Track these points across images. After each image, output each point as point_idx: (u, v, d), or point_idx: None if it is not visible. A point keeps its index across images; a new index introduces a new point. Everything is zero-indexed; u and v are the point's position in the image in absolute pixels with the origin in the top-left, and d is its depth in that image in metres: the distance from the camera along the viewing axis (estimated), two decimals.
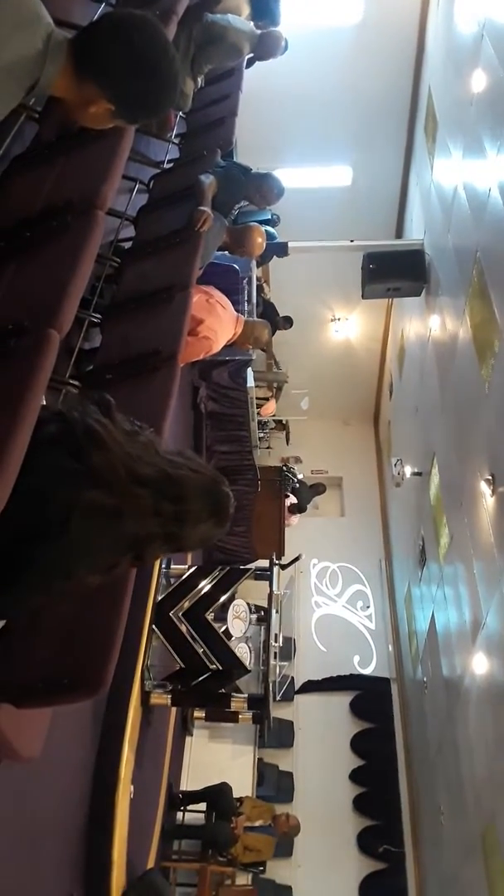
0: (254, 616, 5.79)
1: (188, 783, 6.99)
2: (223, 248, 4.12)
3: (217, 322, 3.78)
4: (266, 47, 4.41)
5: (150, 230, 3.63)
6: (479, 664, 5.18)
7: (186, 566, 5.75)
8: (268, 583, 6.11)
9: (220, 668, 5.17)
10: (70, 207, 2.04)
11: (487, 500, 4.92)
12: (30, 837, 3.11)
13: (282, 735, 7.99)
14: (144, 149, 4.58)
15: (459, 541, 5.88)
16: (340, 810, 7.78)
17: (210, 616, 5.37)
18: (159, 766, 5.79)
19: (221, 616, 5.47)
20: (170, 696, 5.18)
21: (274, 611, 5.91)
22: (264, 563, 6.51)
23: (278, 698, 5.89)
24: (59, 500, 1.08)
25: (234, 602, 5.60)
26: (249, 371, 6.65)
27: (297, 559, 7.12)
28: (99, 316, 3.10)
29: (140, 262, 3.38)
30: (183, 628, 5.23)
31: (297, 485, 8.47)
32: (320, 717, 8.45)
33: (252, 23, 4.47)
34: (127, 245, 3.66)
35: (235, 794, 6.61)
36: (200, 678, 5.18)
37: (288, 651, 6.86)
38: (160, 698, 5.13)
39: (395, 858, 7.39)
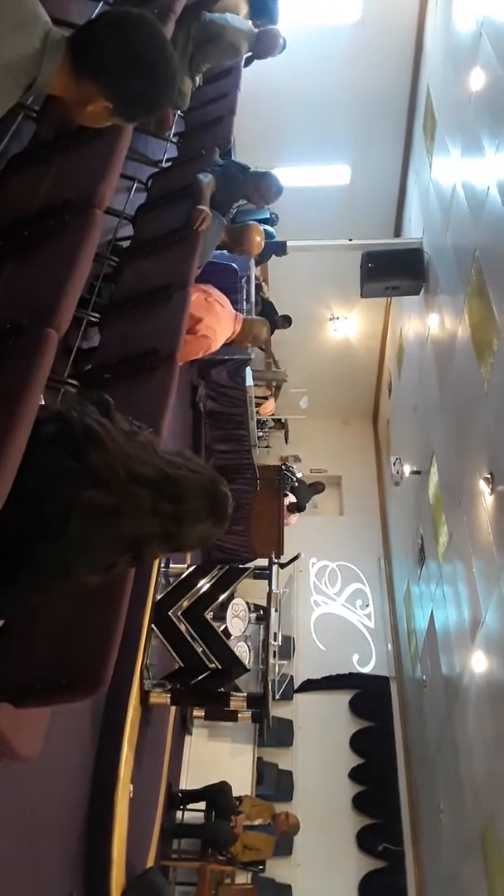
0: (253, 615, 5.79)
1: (188, 782, 6.99)
2: (222, 246, 4.12)
3: (216, 320, 3.78)
4: (264, 46, 4.40)
5: (149, 229, 3.62)
6: (479, 662, 5.18)
7: (185, 565, 5.75)
8: (267, 582, 6.12)
9: (220, 666, 5.17)
10: (68, 206, 2.04)
11: (486, 498, 4.92)
12: (29, 837, 3.11)
13: (281, 734, 8.00)
14: (143, 148, 4.57)
15: (458, 539, 5.89)
16: (340, 809, 7.79)
17: (209, 615, 5.37)
18: (159, 766, 5.79)
19: (220, 615, 5.47)
20: (169, 695, 5.18)
21: (273, 610, 5.92)
22: (263, 562, 6.52)
23: (277, 697, 5.90)
24: (58, 500, 1.08)
25: (234, 601, 5.60)
26: (248, 370, 6.65)
27: (296, 558, 7.12)
28: (97, 315, 3.10)
29: (138, 261, 3.38)
30: (182, 627, 5.23)
31: (296, 484, 8.47)
32: (320, 716, 8.46)
33: (250, 21, 4.46)
34: (125, 244, 3.66)
35: (235, 793, 6.62)
36: (200, 677, 5.19)
37: (287, 650, 6.87)
38: (159, 697, 5.13)
39: (395, 857, 7.40)
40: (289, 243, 7.29)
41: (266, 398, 8.52)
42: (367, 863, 7.45)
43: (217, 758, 7.27)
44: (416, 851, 7.38)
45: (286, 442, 10.05)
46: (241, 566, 6.19)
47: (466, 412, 5.59)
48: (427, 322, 7.34)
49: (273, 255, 7.29)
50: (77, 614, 1.66)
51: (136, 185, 4.19)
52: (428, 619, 7.09)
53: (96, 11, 3.29)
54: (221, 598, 5.48)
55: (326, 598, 9.76)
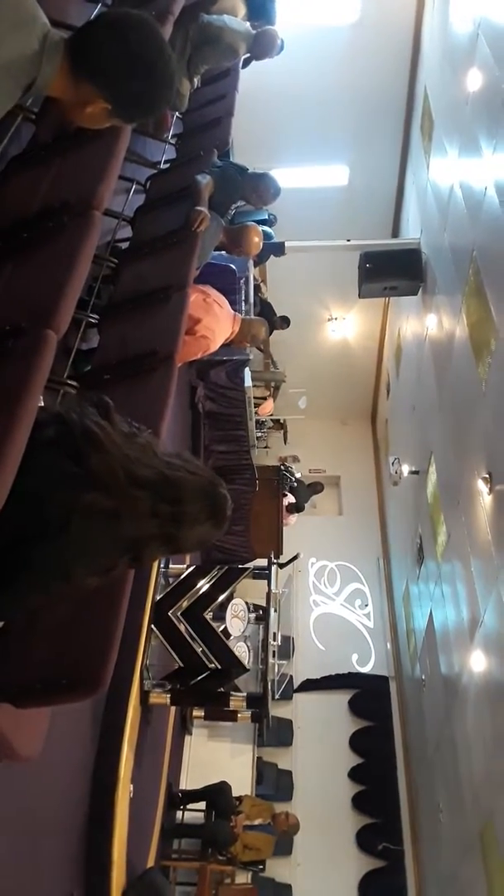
0: (252, 615, 5.79)
1: (187, 782, 7.00)
2: (220, 247, 4.12)
3: (214, 321, 3.78)
4: (262, 47, 4.40)
5: (147, 230, 3.63)
6: (477, 662, 5.19)
7: (185, 566, 5.75)
8: (266, 582, 6.12)
9: (219, 667, 5.17)
10: (67, 208, 2.04)
11: (484, 498, 4.93)
12: (30, 837, 3.11)
13: (281, 733, 8.00)
14: (141, 149, 4.58)
15: (457, 539, 5.90)
16: (339, 808, 7.79)
17: (209, 615, 5.37)
18: (159, 766, 5.79)
19: (220, 615, 5.48)
20: (169, 696, 5.18)
21: (272, 610, 5.92)
22: (262, 562, 6.53)
23: (277, 697, 5.90)
24: (58, 503, 1.08)
25: (233, 601, 5.60)
26: (247, 371, 6.65)
27: (295, 558, 7.12)
28: (96, 316, 3.10)
29: (137, 263, 3.39)
30: (182, 627, 5.23)
31: (295, 484, 8.47)
32: (319, 716, 8.46)
33: (248, 23, 4.47)
34: (124, 245, 3.66)
35: (235, 793, 6.62)
36: (199, 677, 5.19)
37: (286, 650, 6.87)
38: (159, 697, 5.13)
39: (395, 856, 7.40)
40: (287, 244, 7.30)
41: (265, 399, 8.53)
42: (366, 862, 7.46)
43: (217, 758, 7.28)
44: (415, 851, 7.39)
45: (285, 442, 10.04)
46: (240, 566, 6.19)
47: (464, 412, 5.60)
48: (425, 322, 7.35)
49: (271, 256, 7.30)
50: (77, 615, 1.67)
51: (134, 186, 4.19)
52: (427, 619, 7.09)
53: (95, 13, 3.30)
54: (221, 598, 5.48)
55: (325, 598, 9.76)
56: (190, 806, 6.57)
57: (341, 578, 9.92)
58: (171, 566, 5.73)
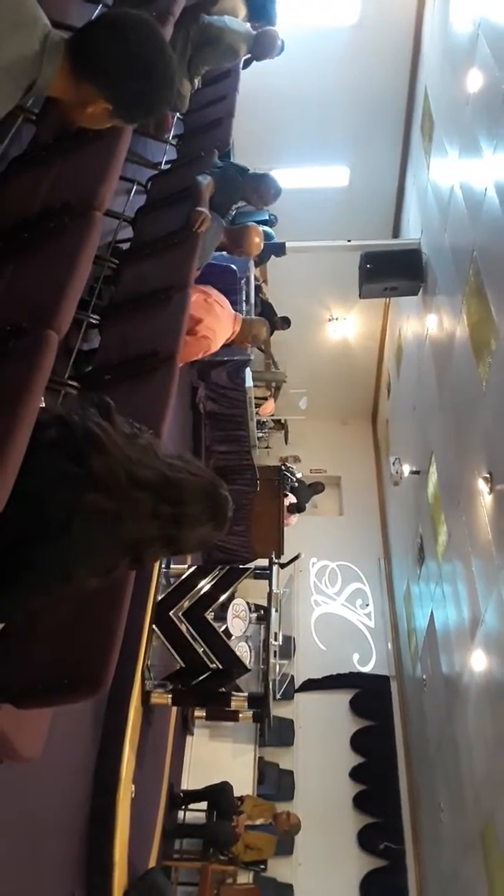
0: (253, 615, 5.80)
1: (189, 782, 7.00)
2: (221, 248, 4.12)
3: (215, 321, 3.78)
4: (262, 48, 4.41)
5: (148, 231, 3.63)
6: (478, 661, 5.19)
7: (186, 566, 5.76)
8: (267, 582, 6.12)
9: (221, 667, 5.18)
10: (68, 209, 2.04)
11: (485, 497, 4.93)
12: (31, 838, 3.11)
13: (282, 733, 8.00)
14: (142, 150, 4.58)
15: (457, 538, 5.90)
16: (341, 808, 7.79)
17: (210, 615, 5.37)
18: (160, 766, 5.80)
19: (221, 615, 5.48)
20: (170, 696, 5.19)
21: (273, 610, 5.93)
22: (264, 562, 6.52)
23: (278, 697, 5.90)
24: (59, 504, 1.08)
25: (234, 601, 5.60)
26: (248, 371, 6.65)
27: (296, 558, 7.13)
28: (97, 317, 3.11)
29: (138, 263, 3.39)
30: (183, 628, 5.24)
31: (296, 484, 8.47)
32: (320, 716, 8.46)
33: (248, 24, 4.47)
34: (125, 246, 3.66)
35: (236, 793, 6.62)
36: (201, 677, 5.19)
37: (288, 650, 6.88)
38: (161, 698, 5.13)
39: (396, 856, 7.40)
40: (288, 244, 7.30)
41: (266, 399, 8.53)
42: (368, 862, 7.45)
43: (218, 758, 7.28)
44: (416, 850, 7.39)
45: (286, 442, 10.05)
46: (241, 566, 6.19)
47: (465, 412, 5.60)
48: (425, 322, 7.34)
49: (272, 257, 7.30)
50: (78, 616, 1.67)
51: (135, 187, 4.19)
52: (428, 619, 7.09)
53: (95, 13, 3.30)
54: (222, 598, 5.49)
55: (326, 598, 9.76)
56: (191, 806, 6.58)
57: (342, 578, 9.92)
58: (172, 566, 5.73)
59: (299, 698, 8.57)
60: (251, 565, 6.49)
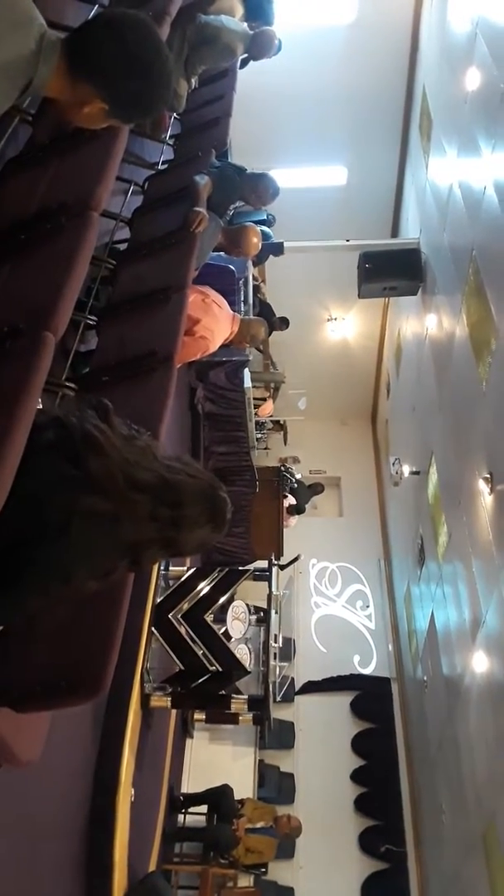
0: (253, 617, 5.78)
1: (189, 785, 6.98)
2: (219, 248, 4.11)
3: (213, 321, 3.77)
4: (259, 47, 4.39)
5: (145, 231, 3.62)
6: (479, 662, 5.18)
7: (185, 568, 5.74)
8: (267, 584, 6.11)
9: (220, 669, 5.16)
10: (64, 209, 2.03)
11: (485, 498, 4.92)
12: (31, 841, 3.10)
13: (282, 736, 7.99)
14: (139, 150, 4.57)
15: (458, 539, 5.89)
16: (342, 811, 7.77)
17: (209, 617, 5.36)
18: (160, 769, 5.78)
19: (221, 617, 5.47)
20: (170, 699, 5.17)
21: (273, 611, 5.91)
22: (263, 563, 6.51)
23: (278, 699, 5.88)
24: (57, 506, 1.07)
25: (234, 603, 5.59)
26: (246, 372, 6.65)
27: (295, 559, 7.11)
28: (95, 318, 3.09)
29: (135, 264, 3.37)
30: (182, 630, 5.22)
31: (296, 485, 8.47)
32: (321, 718, 8.45)
33: (245, 23, 4.46)
34: (122, 247, 3.65)
35: (236, 796, 6.60)
36: (200, 680, 5.18)
37: (288, 652, 6.85)
38: (160, 701, 5.12)
39: (397, 858, 7.39)
40: (286, 244, 7.29)
41: (264, 400, 8.52)
42: (369, 864, 7.44)
43: (218, 761, 7.26)
44: (418, 852, 7.38)
45: (285, 443, 10.04)
46: (240, 568, 6.18)
47: (465, 412, 5.59)
48: (425, 322, 7.34)
49: (270, 257, 7.29)
50: (77, 618, 1.66)
51: (132, 187, 4.18)
52: (428, 620, 7.08)
53: (92, 13, 3.29)
54: (221, 600, 5.47)
55: (327, 600, 9.75)
56: (191, 809, 6.56)
57: (342, 580, 9.91)
58: (171, 568, 5.72)
59: (300, 700, 8.56)
60: (250, 567, 6.47)
